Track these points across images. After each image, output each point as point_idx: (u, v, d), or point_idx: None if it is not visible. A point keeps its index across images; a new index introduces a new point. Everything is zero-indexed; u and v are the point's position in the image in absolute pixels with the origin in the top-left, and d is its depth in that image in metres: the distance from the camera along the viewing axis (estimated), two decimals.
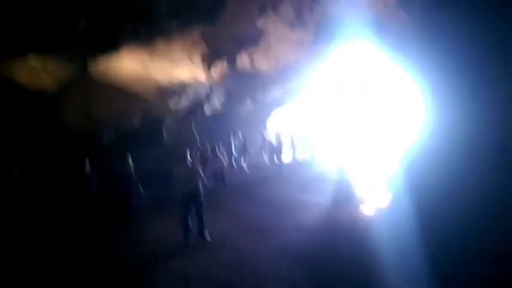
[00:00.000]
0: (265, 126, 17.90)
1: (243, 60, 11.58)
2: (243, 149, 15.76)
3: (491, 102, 6.35)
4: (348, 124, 16.86)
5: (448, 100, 7.19)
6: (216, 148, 12.93)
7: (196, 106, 14.85)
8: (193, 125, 15.53)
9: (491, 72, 6.40)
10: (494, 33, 6.53)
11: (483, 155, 6.35)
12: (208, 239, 7.77)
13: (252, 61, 11.63)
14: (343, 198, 10.40)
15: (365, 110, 17.83)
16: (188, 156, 8.04)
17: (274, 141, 16.34)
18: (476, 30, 6.75)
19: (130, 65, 10.79)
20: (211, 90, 14.47)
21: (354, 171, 11.63)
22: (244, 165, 15.58)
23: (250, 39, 11.09)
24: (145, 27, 9.79)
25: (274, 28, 10.96)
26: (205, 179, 8.17)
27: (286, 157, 16.85)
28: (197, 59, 11.05)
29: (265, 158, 16.44)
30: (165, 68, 11.20)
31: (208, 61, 11.16)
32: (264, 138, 16.95)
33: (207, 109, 15.48)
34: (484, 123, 6.34)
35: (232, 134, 15.66)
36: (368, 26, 10.33)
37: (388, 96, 15.07)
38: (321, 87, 17.57)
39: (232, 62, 11.52)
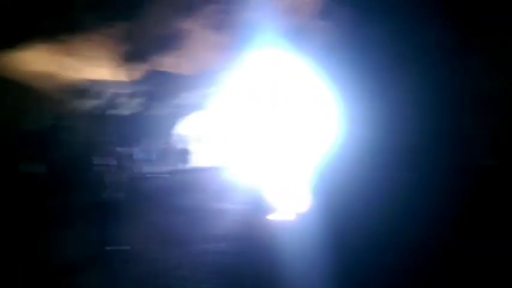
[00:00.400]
0: (178, 130, 17.54)
1: (165, 61, 11.19)
2: (155, 154, 15.13)
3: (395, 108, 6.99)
4: (264, 130, 17.14)
5: (358, 106, 7.78)
6: (129, 153, 12.34)
7: (111, 108, 14.07)
8: (106, 128, 14.68)
9: (397, 82, 7.07)
10: (396, 46, 7.26)
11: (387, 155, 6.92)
12: (121, 251, 7.35)
13: (174, 63, 11.29)
14: (259, 205, 10.53)
15: (280, 116, 18.16)
16: (98, 161, 7.57)
17: (187, 145, 16.06)
18: (384, 43, 7.43)
19: (40, 62, 9.85)
20: (128, 92, 13.82)
21: (270, 177, 11.86)
22: (156, 171, 15.05)
23: (174, 40, 10.76)
24: (59, 20, 9.02)
25: (198, 30, 10.77)
26: (116, 186, 7.72)
27: (199, 162, 16.66)
28: (116, 57, 10.43)
29: (177, 163, 16.04)
30: (80, 66, 10.42)
31: (128, 60, 10.59)
32: (176, 143, 16.59)
33: (122, 111, 14.74)
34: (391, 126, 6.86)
35: (145, 139, 15.04)
36: (286, 34, 10.62)
37: (304, 103, 15.34)
38: (238, 93, 17.66)
39: (153, 62, 11.08)
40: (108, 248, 7.14)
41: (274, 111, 18.59)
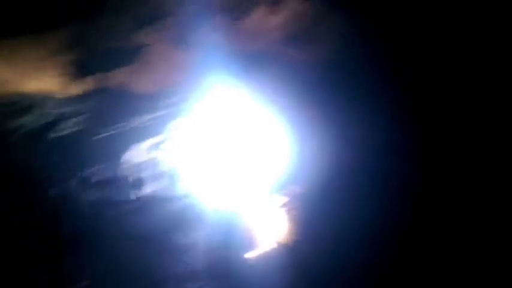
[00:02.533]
0: (129, 156, 15.93)
1: (116, 76, 9.89)
2: (104, 181, 13.48)
3: None
4: (220, 154, 16.28)
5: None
6: (77, 179, 10.67)
7: (52, 127, 12.32)
8: (47, 151, 12.84)
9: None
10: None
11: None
12: None
13: (126, 79, 10.02)
14: (232, 237, 9.37)
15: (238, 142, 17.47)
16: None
17: (140, 173, 14.57)
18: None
19: None
20: (71, 109, 12.21)
21: (234, 204, 10.72)
22: (109, 198, 13.39)
23: (128, 54, 9.56)
24: None
25: (157, 45, 9.67)
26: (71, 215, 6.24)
27: (149, 189, 15.19)
28: (58, 69, 8.97)
29: (131, 191, 14.46)
30: (15, 76, 8.82)
31: (72, 73, 9.17)
32: (127, 170, 14.98)
33: (64, 131, 13.00)
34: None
35: (92, 165, 13.33)
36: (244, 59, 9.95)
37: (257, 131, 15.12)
38: (195, 118, 16.56)
39: (103, 77, 9.72)
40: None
41: (231, 137, 17.98)
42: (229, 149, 16.90)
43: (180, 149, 17.49)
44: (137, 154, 15.90)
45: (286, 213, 9.41)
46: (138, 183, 13.82)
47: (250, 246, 9.15)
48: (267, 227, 9.67)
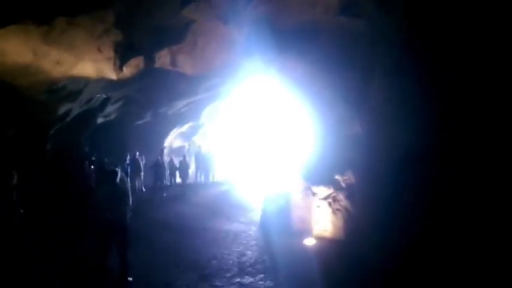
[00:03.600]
0: (165, 142, 15.77)
1: (162, 57, 9.60)
2: (138, 169, 13.26)
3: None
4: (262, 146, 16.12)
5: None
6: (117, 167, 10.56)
7: (90, 112, 12.20)
8: (83, 136, 12.79)
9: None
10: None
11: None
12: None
13: (173, 60, 9.71)
14: (279, 226, 8.96)
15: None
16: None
17: (177, 159, 14.40)
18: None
19: (12, 50, 8.11)
20: (114, 93, 12.06)
21: (282, 195, 10.32)
22: (142, 187, 13.27)
23: (174, 32, 9.22)
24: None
25: (204, 22, 9.28)
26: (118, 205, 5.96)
27: (192, 177, 15.00)
28: (106, 51, 8.72)
29: (168, 178, 14.24)
30: (60, 58, 8.65)
31: (120, 55, 8.91)
32: (165, 156, 14.82)
33: (102, 119, 12.89)
34: None
35: (129, 151, 13.16)
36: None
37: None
38: (233, 104, 16.29)
39: (150, 58, 9.44)
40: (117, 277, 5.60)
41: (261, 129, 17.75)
42: (265, 136, 16.68)
43: (216, 135, 17.31)
44: (177, 139, 15.74)
45: (332, 204, 8.88)
46: (178, 170, 13.61)
47: (296, 236, 8.67)
48: (313, 217, 9.17)
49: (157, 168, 12.25)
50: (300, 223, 9.16)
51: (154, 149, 13.86)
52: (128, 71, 9.31)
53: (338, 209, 8.61)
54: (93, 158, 10.65)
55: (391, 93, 7.29)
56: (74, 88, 10.30)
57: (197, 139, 16.30)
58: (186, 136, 15.85)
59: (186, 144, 16.09)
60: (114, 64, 8.97)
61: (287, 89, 10.64)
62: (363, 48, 8.97)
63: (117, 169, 6.17)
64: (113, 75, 9.31)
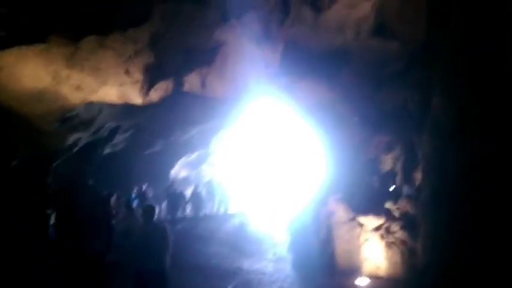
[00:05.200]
0: (177, 172, 14.78)
1: (191, 78, 8.83)
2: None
3: None
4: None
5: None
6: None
7: (98, 142, 11.16)
8: (87, 169, 11.64)
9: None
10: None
11: None
12: None
13: (203, 81, 8.96)
14: (319, 264, 8.10)
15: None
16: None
17: (188, 190, 13.51)
18: None
19: (31, 74, 7.11)
20: (122, 123, 11.10)
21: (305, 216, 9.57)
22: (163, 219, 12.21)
23: (204, 53, 8.53)
24: (64, 15, 6.50)
25: (235, 42, 8.67)
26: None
27: (208, 209, 14.07)
28: (136, 73, 7.85)
29: (182, 210, 13.27)
30: (82, 82, 7.71)
31: (150, 78, 8.06)
32: (176, 187, 13.84)
33: (109, 150, 11.84)
34: None
35: (135, 183, 12.17)
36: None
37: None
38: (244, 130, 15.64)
39: (178, 80, 8.66)
40: None
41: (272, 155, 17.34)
42: (281, 163, 16.08)
43: (227, 163, 16.42)
44: (183, 169, 14.78)
45: (385, 236, 8.08)
46: (191, 201, 12.62)
47: (342, 275, 7.75)
48: (361, 252, 8.27)
49: (172, 199, 11.28)
50: (344, 259, 8.29)
51: (162, 180, 12.88)
52: (154, 94, 8.46)
53: (393, 242, 7.94)
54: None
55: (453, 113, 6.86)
56: (86, 116, 9.30)
57: (206, 168, 15.40)
58: (193, 165, 14.92)
59: (194, 173, 15.16)
60: (142, 88, 8.11)
61: (303, 113, 10.21)
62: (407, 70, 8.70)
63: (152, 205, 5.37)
64: (138, 100, 8.43)
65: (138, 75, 7.95)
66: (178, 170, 14.32)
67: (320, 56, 9.10)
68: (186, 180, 14.45)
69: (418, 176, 7.69)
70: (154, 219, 5.24)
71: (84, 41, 7.01)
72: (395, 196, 8.23)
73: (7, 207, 7.85)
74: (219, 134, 14.33)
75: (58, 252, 7.09)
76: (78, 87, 7.85)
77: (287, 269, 8.64)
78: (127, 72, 7.81)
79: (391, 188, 8.41)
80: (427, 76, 7.46)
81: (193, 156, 14.32)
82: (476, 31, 5.86)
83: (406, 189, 8.15)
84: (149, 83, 8.16)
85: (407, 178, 8.18)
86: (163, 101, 9.39)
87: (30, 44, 6.53)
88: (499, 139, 5.52)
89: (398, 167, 8.53)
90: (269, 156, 17.02)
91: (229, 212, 14.92)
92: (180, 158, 13.67)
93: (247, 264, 8.96)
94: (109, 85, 8.02)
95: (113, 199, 9.31)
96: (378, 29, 8.67)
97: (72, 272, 6.18)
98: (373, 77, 9.08)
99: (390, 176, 8.69)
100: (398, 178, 8.32)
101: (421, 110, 7.53)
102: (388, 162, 8.87)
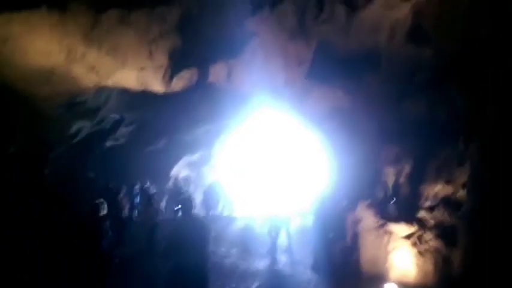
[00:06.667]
0: (176, 172, 13.89)
1: (218, 69, 8.00)
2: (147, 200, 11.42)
3: None
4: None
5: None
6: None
7: (100, 133, 10.22)
8: (88, 161, 10.69)
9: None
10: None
11: None
12: None
13: (229, 74, 8.14)
14: (343, 269, 7.53)
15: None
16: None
17: (188, 190, 12.66)
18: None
19: (44, 48, 6.23)
20: (126, 116, 10.20)
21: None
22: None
23: (233, 44, 7.73)
24: None
25: (266, 35, 7.93)
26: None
27: (211, 210, 13.28)
28: (161, 57, 6.99)
29: (183, 210, 12.34)
30: (99, 62, 6.80)
31: (175, 64, 7.21)
32: (177, 186, 12.99)
33: (110, 143, 10.91)
34: None
35: (137, 180, 11.23)
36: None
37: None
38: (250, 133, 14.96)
39: (204, 70, 7.81)
40: None
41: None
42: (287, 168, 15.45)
43: (230, 165, 15.62)
44: (184, 169, 13.93)
45: (417, 244, 7.64)
46: (187, 201, 11.75)
47: (367, 281, 7.30)
48: (388, 259, 7.82)
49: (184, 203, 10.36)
50: (370, 265, 7.76)
51: (162, 178, 12.02)
52: (177, 83, 7.60)
53: (426, 250, 7.42)
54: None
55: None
56: (93, 104, 8.39)
57: (207, 169, 14.55)
58: (194, 166, 14.04)
59: (194, 174, 14.28)
60: (165, 74, 7.26)
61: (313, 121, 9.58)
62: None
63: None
64: (159, 88, 7.56)
65: (162, 60, 7.10)
66: (179, 170, 13.43)
67: (345, 59, 8.43)
68: (187, 180, 13.59)
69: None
70: (192, 211, 4.81)
71: (105, 15, 6.18)
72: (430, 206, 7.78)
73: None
74: (223, 135, 13.63)
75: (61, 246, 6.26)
76: (92, 68, 6.96)
77: (306, 272, 7.98)
78: (150, 54, 6.95)
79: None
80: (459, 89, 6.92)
81: (195, 156, 13.49)
82: None
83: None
84: (173, 70, 7.31)
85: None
86: (186, 91, 8.55)
87: (46, 9, 5.65)
88: None
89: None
90: (275, 161, 16.52)
91: (234, 214, 14.13)
92: (182, 157, 12.81)
93: (262, 265, 8.26)
94: (128, 68, 7.14)
95: (122, 193, 8.45)
96: (413, 33, 8.13)
97: (78, 267, 5.38)
98: (398, 85, 8.50)
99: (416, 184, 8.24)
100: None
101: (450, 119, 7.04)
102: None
